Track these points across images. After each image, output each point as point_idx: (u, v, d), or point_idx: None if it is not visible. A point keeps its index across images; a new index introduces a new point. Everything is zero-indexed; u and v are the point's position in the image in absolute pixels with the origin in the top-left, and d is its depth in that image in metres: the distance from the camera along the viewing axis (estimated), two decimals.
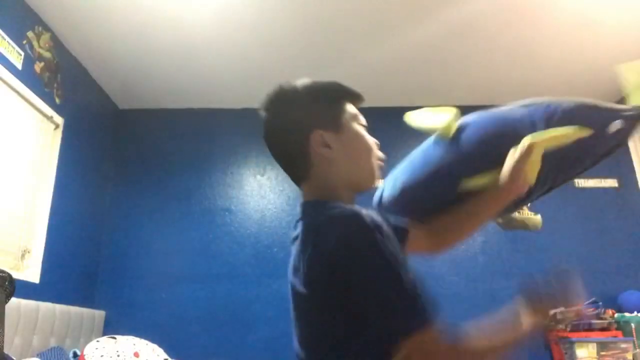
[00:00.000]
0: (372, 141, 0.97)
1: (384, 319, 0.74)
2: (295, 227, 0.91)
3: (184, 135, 3.73)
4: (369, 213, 0.81)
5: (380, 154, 0.99)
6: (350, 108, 0.97)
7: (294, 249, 0.87)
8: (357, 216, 0.77)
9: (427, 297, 0.77)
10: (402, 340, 0.72)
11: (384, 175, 1.04)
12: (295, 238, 0.88)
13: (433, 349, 0.74)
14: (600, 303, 3.05)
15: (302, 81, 1.00)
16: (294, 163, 0.94)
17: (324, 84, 1.00)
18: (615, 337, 2.87)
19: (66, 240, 2.97)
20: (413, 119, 1.29)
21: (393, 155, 3.84)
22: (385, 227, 0.80)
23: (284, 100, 0.97)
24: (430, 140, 1.23)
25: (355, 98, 1.00)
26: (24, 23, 2.60)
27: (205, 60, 3.13)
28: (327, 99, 0.96)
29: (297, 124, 0.93)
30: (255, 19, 2.74)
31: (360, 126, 0.96)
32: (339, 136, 0.92)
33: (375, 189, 1.05)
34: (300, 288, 0.81)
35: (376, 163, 0.97)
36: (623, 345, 2.81)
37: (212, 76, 3.34)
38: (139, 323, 3.12)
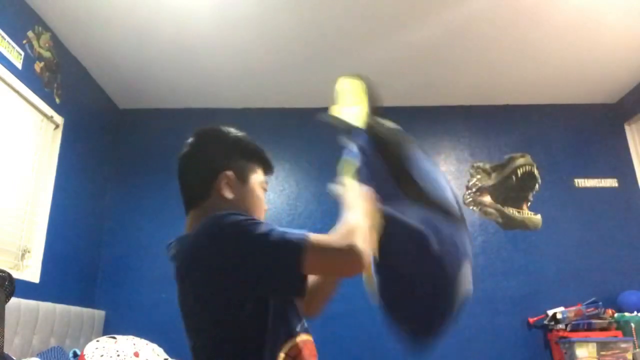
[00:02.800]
0: (263, 207, 1.07)
1: (274, 260, 0.83)
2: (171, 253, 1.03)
3: (184, 135, 3.71)
4: None
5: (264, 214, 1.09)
6: (261, 174, 1.08)
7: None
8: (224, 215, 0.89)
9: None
10: (300, 260, 0.81)
11: None
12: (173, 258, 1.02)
13: (325, 244, 0.83)
14: (600, 303, 3.06)
15: (235, 132, 1.10)
16: (193, 189, 1.06)
17: (250, 144, 1.09)
18: (615, 337, 2.87)
19: (66, 240, 2.97)
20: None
21: None
22: None
23: (214, 136, 1.09)
24: None
25: (268, 168, 1.11)
26: (24, 23, 2.60)
27: (205, 60, 3.13)
28: (248, 155, 1.07)
29: (216, 159, 1.04)
30: (256, 19, 2.74)
31: (261, 191, 1.07)
32: (242, 186, 1.03)
33: None
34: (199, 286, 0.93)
35: (259, 211, 1.07)
36: (623, 345, 2.81)
37: (212, 76, 3.34)
38: (139, 323, 3.12)
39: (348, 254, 0.82)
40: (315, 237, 0.84)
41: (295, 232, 0.85)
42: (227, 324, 0.87)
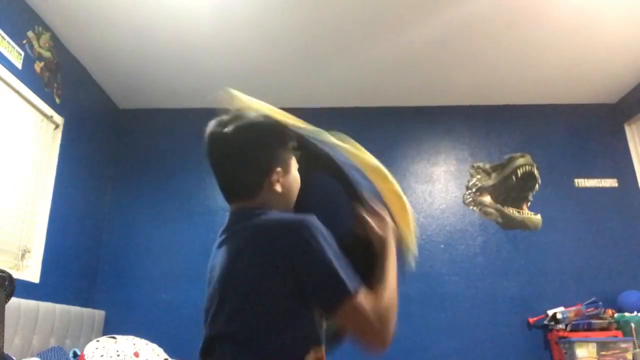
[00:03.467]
0: (298, 183, 1.11)
1: (324, 290, 0.89)
2: (223, 233, 1.07)
3: (184, 135, 3.73)
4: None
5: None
6: (289, 151, 1.09)
7: (225, 250, 1.02)
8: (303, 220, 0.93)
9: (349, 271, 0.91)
10: (337, 304, 0.87)
11: None
12: (224, 242, 1.04)
13: (363, 312, 0.87)
14: (600, 303, 3.06)
15: (259, 117, 1.11)
16: (244, 186, 1.05)
17: (280, 129, 1.10)
18: (615, 337, 2.87)
19: (66, 240, 2.97)
20: None
21: (392, 155, 3.88)
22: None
23: (258, 132, 1.08)
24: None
25: (294, 138, 1.12)
26: (24, 23, 2.60)
27: (205, 60, 3.13)
28: (285, 142, 1.08)
29: (266, 157, 1.05)
30: (256, 19, 2.74)
31: (295, 165, 1.10)
32: (286, 176, 1.06)
33: None
34: (247, 274, 0.93)
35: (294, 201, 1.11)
36: (623, 345, 2.81)
37: (212, 76, 3.34)
38: (139, 323, 3.12)
39: (378, 336, 0.89)
40: (361, 297, 0.88)
41: (351, 277, 0.89)
42: (268, 312, 0.90)
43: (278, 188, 1.03)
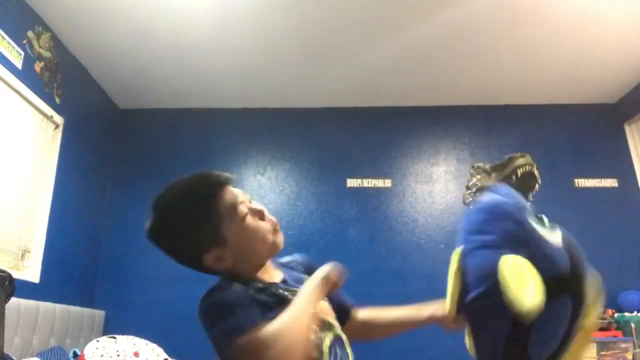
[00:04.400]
0: (256, 227, 0.98)
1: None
2: None
3: (184, 135, 3.73)
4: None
5: (269, 226, 1.01)
6: (225, 201, 0.96)
7: None
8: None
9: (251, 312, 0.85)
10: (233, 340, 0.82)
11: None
12: None
13: (256, 340, 0.80)
14: None
15: (174, 194, 0.99)
16: (205, 272, 1.01)
17: (192, 194, 0.97)
18: (615, 337, 2.87)
19: (66, 240, 2.97)
20: None
21: (392, 155, 3.88)
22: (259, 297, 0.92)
23: (168, 226, 0.98)
24: None
25: (223, 183, 0.98)
26: (24, 23, 2.60)
27: (205, 60, 3.13)
28: (205, 215, 0.95)
29: (185, 253, 0.98)
30: (255, 19, 2.74)
31: (240, 217, 0.96)
32: (226, 248, 0.96)
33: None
34: None
35: (268, 243, 0.99)
36: (623, 345, 2.81)
37: (212, 76, 3.34)
38: (139, 323, 3.11)
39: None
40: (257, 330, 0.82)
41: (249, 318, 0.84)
42: None
43: (220, 266, 0.97)
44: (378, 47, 3.00)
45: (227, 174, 1.00)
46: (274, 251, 1.02)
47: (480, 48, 3.03)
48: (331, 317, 1.02)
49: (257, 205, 1.01)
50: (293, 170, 3.62)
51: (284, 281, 1.02)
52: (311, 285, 0.94)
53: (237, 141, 3.68)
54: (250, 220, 0.98)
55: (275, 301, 0.92)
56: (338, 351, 0.95)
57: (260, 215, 1.00)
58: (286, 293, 0.95)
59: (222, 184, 0.98)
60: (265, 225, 1.00)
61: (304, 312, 0.88)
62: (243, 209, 0.97)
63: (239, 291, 0.90)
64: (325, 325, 0.97)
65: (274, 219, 1.04)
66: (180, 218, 0.96)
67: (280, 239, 1.02)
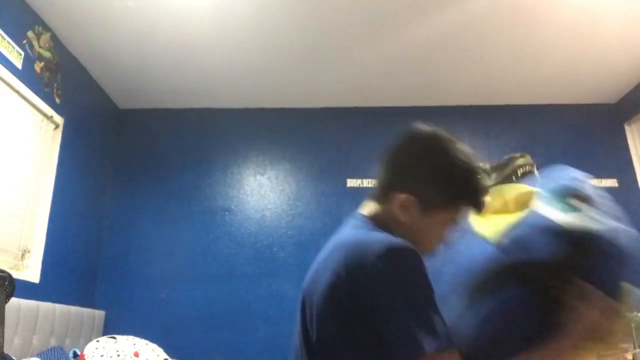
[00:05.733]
0: (432, 231, 0.98)
1: (403, 338, 0.79)
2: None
3: (184, 135, 3.73)
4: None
5: (438, 245, 1.00)
6: (457, 211, 0.97)
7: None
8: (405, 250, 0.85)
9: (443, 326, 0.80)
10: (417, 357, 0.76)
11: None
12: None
13: None
14: None
15: (464, 155, 0.98)
16: (381, 191, 1.01)
17: (467, 175, 0.96)
18: None
19: (66, 240, 2.97)
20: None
21: None
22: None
23: (427, 146, 0.99)
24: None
25: (476, 205, 0.97)
26: (24, 23, 2.60)
27: (205, 60, 3.13)
28: (454, 190, 0.95)
29: (407, 176, 0.97)
30: (255, 19, 2.74)
31: (444, 227, 0.97)
32: (421, 210, 0.95)
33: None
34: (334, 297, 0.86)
35: (428, 246, 1.00)
36: (623, 345, 2.81)
37: (212, 76, 3.34)
38: (139, 323, 3.12)
39: None
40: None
41: (430, 339, 0.78)
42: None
43: (397, 214, 0.97)
44: (378, 47, 3.00)
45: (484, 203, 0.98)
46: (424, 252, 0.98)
47: (480, 48, 3.03)
48: None
49: (453, 234, 1.00)
50: (293, 170, 3.62)
51: None
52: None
53: (237, 141, 3.68)
54: (443, 227, 0.98)
55: None
56: None
57: (447, 237, 1.00)
58: None
59: (481, 209, 0.98)
60: (436, 240, 1.00)
61: None
62: (454, 225, 0.99)
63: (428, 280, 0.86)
64: None
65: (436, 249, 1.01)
66: (459, 167, 0.95)
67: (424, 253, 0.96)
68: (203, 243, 3.45)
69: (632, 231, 0.90)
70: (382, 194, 1.00)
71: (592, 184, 0.96)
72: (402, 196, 0.94)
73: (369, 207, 1.03)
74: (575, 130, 3.64)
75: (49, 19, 2.76)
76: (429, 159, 0.97)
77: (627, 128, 3.60)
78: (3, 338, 1.48)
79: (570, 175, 1.03)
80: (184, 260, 3.39)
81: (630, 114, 3.54)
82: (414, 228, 0.95)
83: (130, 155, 3.70)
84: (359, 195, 3.71)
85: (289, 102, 3.68)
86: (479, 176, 0.99)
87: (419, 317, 0.79)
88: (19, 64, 2.52)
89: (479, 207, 0.97)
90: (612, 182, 3.49)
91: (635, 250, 0.87)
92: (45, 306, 2.53)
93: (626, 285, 0.84)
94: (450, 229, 0.98)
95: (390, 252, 0.83)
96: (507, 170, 4.02)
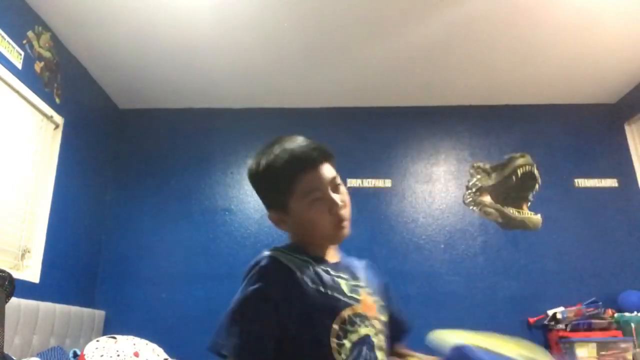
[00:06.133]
0: (316, 216, 1.00)
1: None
2: None
3: (184, 135, 3.73)
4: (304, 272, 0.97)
5: (332, 219, 1.01)
6: (304, 185, 1.00)
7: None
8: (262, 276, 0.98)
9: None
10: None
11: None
12: None
13: None
14: (600, 303, 3.05)
15: (269, 155, 1.06)
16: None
17: (276, 168, 1.03)
18: (615, 337, 2.87)
19: (66, 240, 2.97)
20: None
21: (392, 154, 3.88)
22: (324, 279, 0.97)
23: (251, 178, 1.10)
24: None
25: (315, 163, 1.03)
26: (24, 23, 2.60)
27: (205, 60, 3.13)
28: (277, 184, 1.02)
29: (264, 200, 1.09)
30: (255, 19, 2.74)
31: (308, 201, 1.00)
32: (288, 216, 1.03)
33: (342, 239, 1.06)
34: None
35: (325, 233, 1.02)
36: (623, 345, 2.81)
37: (212, 76, 3.34)
38: (139, 323, 3.12)
39: None
40: None
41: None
42: None
43: (282, 226, 1.08)
44: (378, 47, 3.00)
45: (325, 151, 1.08)
46: (331, 242, 1.06)
47: (480, 48, 3.03)
48: (373, 314, 1.00)
49: (337, 196, 1.02)
50: None
51: (337, 264, 1.04)
52: None
53: (237, 141, 3.68)
54: (317, 207, 1.00)
55: (315, 279, 0.96)
56: (365, 351, 0.94)
57: (330, 206, 1.00)
58: (329, 276, 0.98)
59: (314, 164, 1.03)
60: (327, 218, 1.00)
61: None
62: (317, 195, 1.00)
63: (273, 290, 0.95)
64: (359, 320, 0.95)
65: (345, 215, 1.02)
66: (264, 175, 1.05)
67: (342, 233, 1.02)
68: (203, 243, 3.45)
69: None
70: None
71: None
72: (271, 211, 1.07)
73: None
74: (575, 130, 3.64)
75: (49, 19, 2.76)
76: (253, 179, 1.09)
77: (627, 128, 3.60)
78: (3, 338, 1.48)
79: None
80: (184, 260, 3.39)
81: (630, 114, 3.55)
82: (298, 227, 1.04)
83: (130, 155, 3.70)
84: (359, 195, 3.72)
85: (289, 102, 3.68)
86: (279, 148, 1.07)
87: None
88: (19, 64, 2.52)
89: (306, 164, 1.02)
90: (612, 182, 3.49)
91: None
92: (45, 306, 2.53)
93: None
94: (319, 201, 1.00)
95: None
96: (507, 170, 4.04)
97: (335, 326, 0.91)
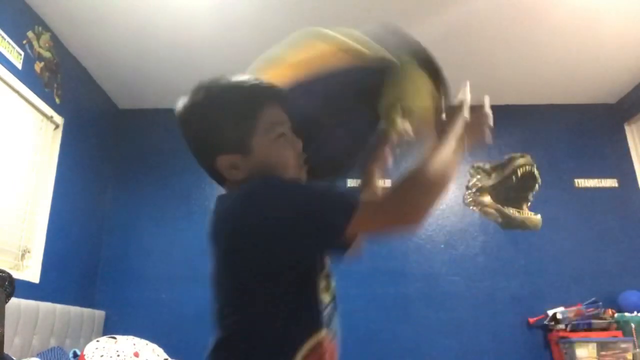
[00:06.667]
0: (285, 151, 0.89)
1: (323, 219, 0.78)
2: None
3: None
4: None
5: (298, 158, 0.92)
6: (267, 116, 0.89)
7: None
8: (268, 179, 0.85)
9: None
10: (347, 224, 0.75)
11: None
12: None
13: (375, 208, 0.79)
14: (600, 303, 3.06)
15: (218, 87, 0.93)
16: (209, 174, 0.97)
17: (239, 92, 0.90)
18: (615, 337, 2.87)
19: (66, 240, 2.97)
20: None
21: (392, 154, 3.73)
22: None
23: (195, 115, 0.94)
24: None
25: (277, 98, 0.91)
26: (24, 23, 2.60)
27: (205, 60, 3.13)
28: (238, 116, 0.88)
29: (204, 146, 0.93)
30: (255, 18, 2.74)
31: (275, 134, 0.89)
32: (247, 158, 0.88)
33: None
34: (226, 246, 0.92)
35: (289, 171, 0.90)
36: (623, 345, 2.81)
37: (212, 76, 3.33)
38: (139, 323, 3.12)
39: (401, 221, 0.81)
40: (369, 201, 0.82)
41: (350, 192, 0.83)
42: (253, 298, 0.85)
43: (234, 174, 0.91)
44: None
45: (286, 91, 0.93)
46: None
47: (480, 48, 3.03)
48: None
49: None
50: None
51: None
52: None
53: None
54: (283, 142, 0.89)
55: None
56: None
57: (293, 142, 0.91)
58: None
59: (275, 98, 0.91)
60: (293, 155, 0.91)
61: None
62: (283, 129, 0.90)
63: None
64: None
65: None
66: (218, 111, 0.90)
67: (303, 174, 0.93)
68: (203, 243, 3.43)
69: None
70: (214, 176, 0.97)
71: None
72: (220, 159, 0.91)
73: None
74: (575, 130, 3.64)
75: (49, 19, 2.76)
76: (195, 117, 0.97)
77: (627, 128, 3.60)
78: (3, 338, 1.48)
79: None
80: (184, 260, 3.39)
81: (630, 114, 3.55)
82: (259, 169, 0.88)
83: (130, 155, 3.70)
84: None
85: None
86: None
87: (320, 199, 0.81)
88: (19, 64, 2.52)
89: (271, 95, 0.91)
90: (612, 182, 3.49)
91: None
92: (45, 306, 2.53)
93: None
94: (283, 137, 0.89)
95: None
96: (507, 170, 4.03)
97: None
